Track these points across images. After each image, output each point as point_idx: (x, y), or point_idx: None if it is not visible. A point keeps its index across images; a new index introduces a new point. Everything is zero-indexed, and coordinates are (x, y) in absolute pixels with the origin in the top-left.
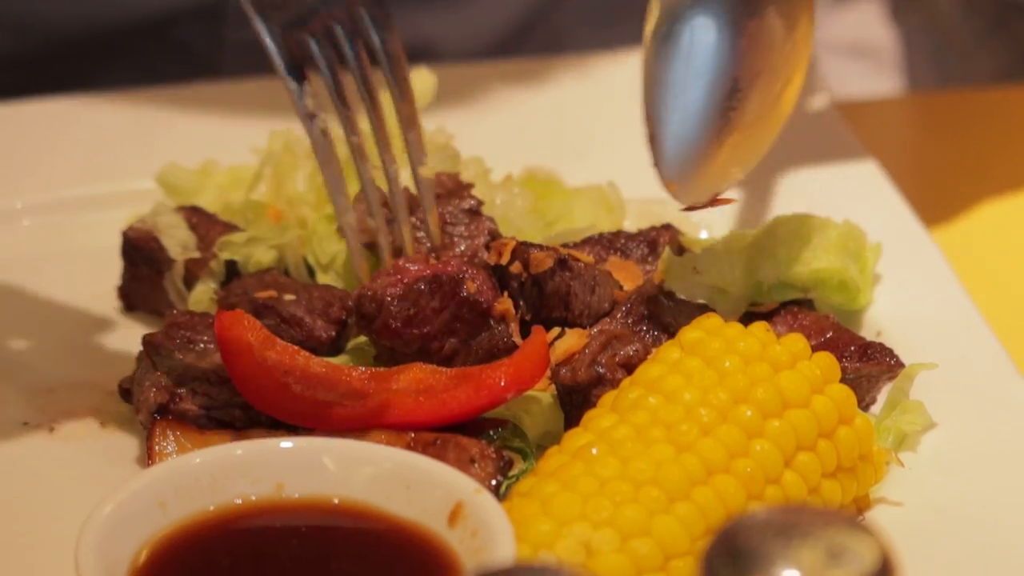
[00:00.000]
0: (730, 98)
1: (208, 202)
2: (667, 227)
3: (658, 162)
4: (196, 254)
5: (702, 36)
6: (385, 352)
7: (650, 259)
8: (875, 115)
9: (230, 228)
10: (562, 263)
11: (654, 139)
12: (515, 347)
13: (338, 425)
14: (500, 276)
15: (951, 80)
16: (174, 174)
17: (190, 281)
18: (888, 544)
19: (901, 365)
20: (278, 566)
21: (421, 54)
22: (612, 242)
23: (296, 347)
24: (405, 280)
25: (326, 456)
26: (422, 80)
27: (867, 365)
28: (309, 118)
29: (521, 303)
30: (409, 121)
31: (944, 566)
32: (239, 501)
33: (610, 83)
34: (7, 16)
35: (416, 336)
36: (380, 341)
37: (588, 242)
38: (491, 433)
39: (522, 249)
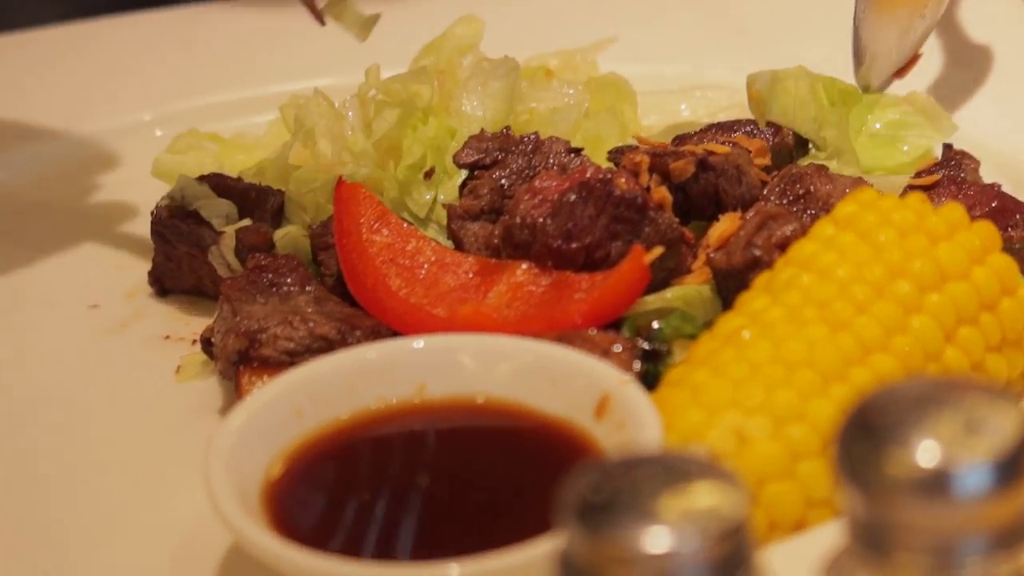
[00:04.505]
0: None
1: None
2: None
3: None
4: (246, 221)
5: None
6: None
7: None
8: None
9: (264, 190)
10: (703, 164)
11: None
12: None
13: (426, 331)
14: None
15: None
16: (167, 164)
17: (240, 251)
18: None
19: None
20: (426, 468)
21: None
22: (730, 129)
23: (413, 228)
24: (549, 198)
25: (462, 354)
26: (470, 25)
27: None
28: None
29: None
30: None
31: None
32: (379, 405)
33: None
34: None
35: (579, 249)
36: (542, 265)
37: (705, 132)
38: (656, 325)
39: (658, 161)
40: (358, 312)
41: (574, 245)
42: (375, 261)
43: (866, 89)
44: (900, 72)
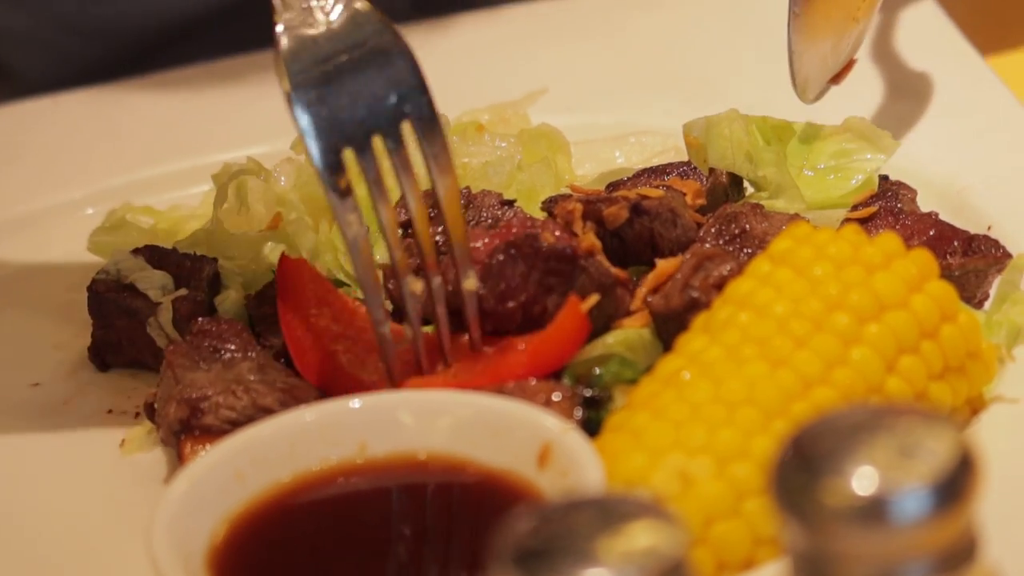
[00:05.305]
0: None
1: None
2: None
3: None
4: (181, 291)
5: None
6: None
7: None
8: None
9: (199, 259)
10: (636, 209)
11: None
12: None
13: None
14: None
15: None
16: (102, 239)
17: (178, 322)
18: (966, 438)
19: (1008, 256)
20: (372, 528)
21: None
22: (663, 172)
23: (357, 302)
24: (478, 260)
25: (401, 411)
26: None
27: (973, 259)
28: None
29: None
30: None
31: None
32: (321, 466)
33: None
34: (80, 22)
35: (515, 308)
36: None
37: (638, 177)
38: (597, 371)
39: (592, 209)
40: (301, 383)
41: (510, 304)
42: (322, 339)
43: (805, 100)
44: (836, 78)
